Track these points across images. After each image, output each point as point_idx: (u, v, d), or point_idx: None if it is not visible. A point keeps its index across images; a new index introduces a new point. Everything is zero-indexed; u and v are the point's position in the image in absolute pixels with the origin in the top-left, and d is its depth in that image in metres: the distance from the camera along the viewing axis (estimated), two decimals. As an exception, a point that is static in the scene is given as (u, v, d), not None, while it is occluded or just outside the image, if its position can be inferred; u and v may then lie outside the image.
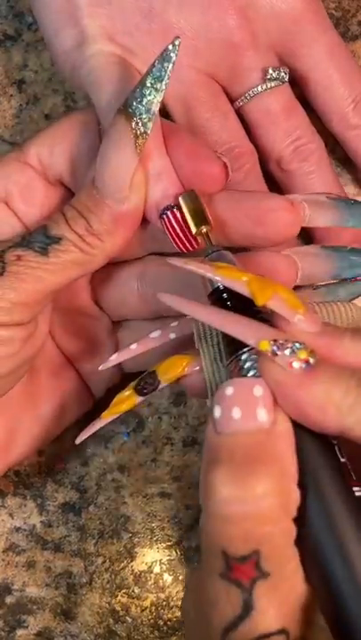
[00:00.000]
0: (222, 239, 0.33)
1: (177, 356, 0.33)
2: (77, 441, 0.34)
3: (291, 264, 0.34)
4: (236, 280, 0.29)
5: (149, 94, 0.31)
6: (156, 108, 0.31)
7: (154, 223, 0.34)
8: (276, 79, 0.38)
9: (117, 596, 0.42)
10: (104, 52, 0.36)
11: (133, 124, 0.31)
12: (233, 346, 0.29)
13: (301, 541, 0.26)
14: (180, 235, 0.33)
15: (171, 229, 0.33)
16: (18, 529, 0.42)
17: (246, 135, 0.39)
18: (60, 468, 0.42)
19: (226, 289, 0.30)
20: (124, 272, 0.38)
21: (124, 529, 0.42)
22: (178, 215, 0.33)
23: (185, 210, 0.32)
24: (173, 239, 0.33)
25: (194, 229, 0.32)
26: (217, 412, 0.27)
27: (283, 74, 0.39)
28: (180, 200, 0.33)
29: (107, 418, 0.33)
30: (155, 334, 0.34)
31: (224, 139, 0.38)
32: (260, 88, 0.38)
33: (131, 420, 0.43)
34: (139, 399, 0.33)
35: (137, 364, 0.38)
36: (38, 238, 0.33)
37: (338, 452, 0.28)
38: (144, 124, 0.31)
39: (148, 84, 0.31)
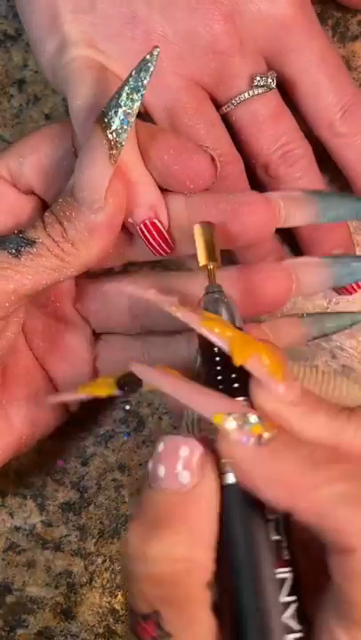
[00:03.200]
0: None
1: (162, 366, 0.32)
2: (50, 401, 0.36)
3: (286, 276, 0.35)
4: (220, 335, 0.28)
5: (124, 105, 0.32)
6: (131, 119, 0.32)
7: (131, 229, 0.35)
8: (263, 86, 0.38)
9: (117, 595, 0.42)
10: (82, 57, 0.36)
11: (109, 134, 0.32)
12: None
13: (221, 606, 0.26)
14: (160, 242, 0.34)
15: (149, 237, 0.34)
16: (18, 528, 0.42)
17: (232, 142, 0.39)
18: (59, 467, 0.43)
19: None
20: (112, 287, 0.38)
21: (124, 528, 0.42)
22: (156, 223, 0.34)
23: (198, 240, 0.32)
24: (150, 245, 0.34)
25: (202, 262, 0.32)
26: (149, 465, 0.28)
27: (270, 80, 0.38)
28: (196, 229, 0.32)
29: (81, 394, 0.32)
30: None
31: (209, 146, 0.37)
32: (247, 94, 0.38)
33: (131, 419, 0.43)
34: (117, 392, 0.32)
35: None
36: (12, 240, 0.33)
37: (273, 529, 0.27)
38: (119, 135, 0.32)
39: (124, 95, 0.31)
